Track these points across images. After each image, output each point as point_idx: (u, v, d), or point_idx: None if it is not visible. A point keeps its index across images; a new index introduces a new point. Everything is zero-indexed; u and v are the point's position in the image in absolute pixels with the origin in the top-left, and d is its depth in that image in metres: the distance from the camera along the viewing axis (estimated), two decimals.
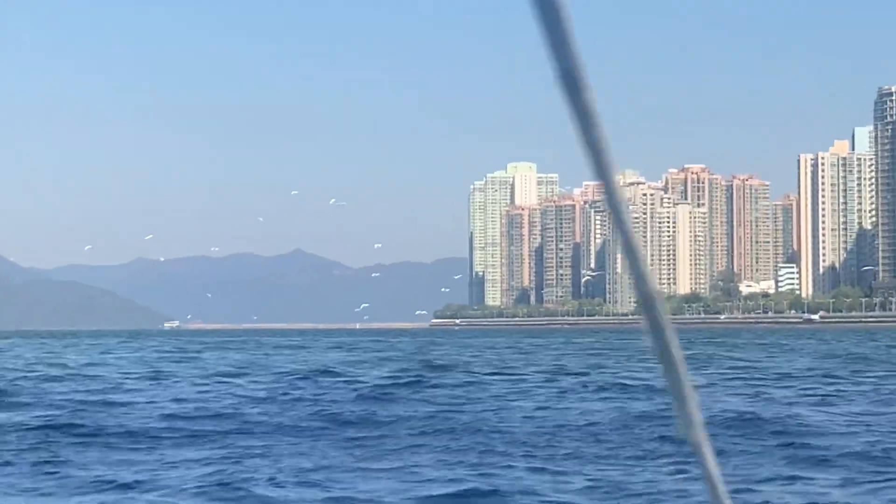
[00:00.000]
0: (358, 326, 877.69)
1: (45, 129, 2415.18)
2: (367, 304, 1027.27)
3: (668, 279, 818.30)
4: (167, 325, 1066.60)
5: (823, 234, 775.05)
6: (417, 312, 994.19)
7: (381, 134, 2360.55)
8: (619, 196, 4.49)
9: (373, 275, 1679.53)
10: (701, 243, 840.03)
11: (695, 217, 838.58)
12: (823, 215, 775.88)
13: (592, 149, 4.33)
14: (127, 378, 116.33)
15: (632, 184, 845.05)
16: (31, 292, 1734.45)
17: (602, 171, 4.37)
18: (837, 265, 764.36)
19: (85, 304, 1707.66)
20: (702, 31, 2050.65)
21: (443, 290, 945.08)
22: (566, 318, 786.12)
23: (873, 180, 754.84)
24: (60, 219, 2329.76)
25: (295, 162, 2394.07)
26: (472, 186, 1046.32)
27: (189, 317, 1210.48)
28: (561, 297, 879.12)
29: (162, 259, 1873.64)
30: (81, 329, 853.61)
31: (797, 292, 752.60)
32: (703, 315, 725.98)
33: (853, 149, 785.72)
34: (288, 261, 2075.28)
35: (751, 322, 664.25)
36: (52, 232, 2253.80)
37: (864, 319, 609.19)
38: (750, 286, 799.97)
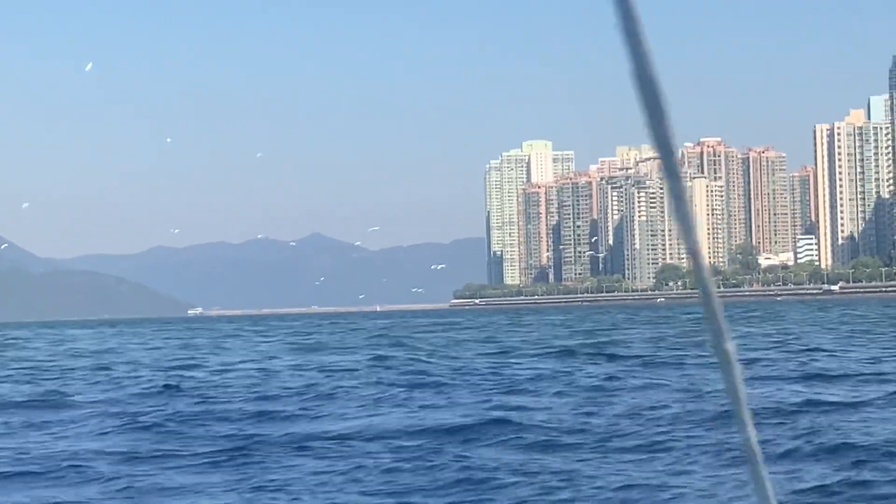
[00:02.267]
0: (378, 309, 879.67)
1: (59, 119, 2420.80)
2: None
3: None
4: (191, 312, 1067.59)
5: (841, 205, 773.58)
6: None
7: (394, 115, 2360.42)
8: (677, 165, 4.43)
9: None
10: (718, 217, 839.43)
11: (712, 191, 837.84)
12: (841, 186, 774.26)
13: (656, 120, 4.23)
14: None
15: (647, 159, 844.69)
16: (50, 283, 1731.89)
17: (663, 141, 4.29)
18: (856, 235, 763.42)
19: (106, 293, 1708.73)
20: (713, 2, 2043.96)
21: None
22: (585, 294, 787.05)
23: (890, 149, 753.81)
24: (76, 208, 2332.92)
25: (309, 145, 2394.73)
26: (487, 165, 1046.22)
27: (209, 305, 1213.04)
28: (580, 274, 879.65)
29: (180, 246, 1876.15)
30: (111, 318, 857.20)
31: (816, 263, 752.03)
32: (722, 288, 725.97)
33: (869, 118, 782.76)
34: (307, 244, 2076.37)
35: (771, 294, 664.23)
36: (69, 221, 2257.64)
37: (884, 289, 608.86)
38: (769, 258, 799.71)
